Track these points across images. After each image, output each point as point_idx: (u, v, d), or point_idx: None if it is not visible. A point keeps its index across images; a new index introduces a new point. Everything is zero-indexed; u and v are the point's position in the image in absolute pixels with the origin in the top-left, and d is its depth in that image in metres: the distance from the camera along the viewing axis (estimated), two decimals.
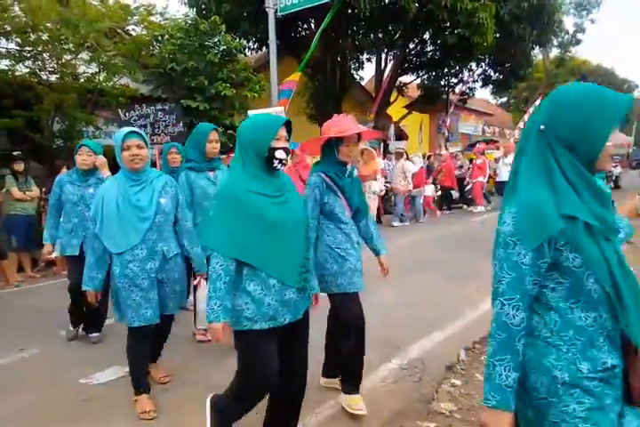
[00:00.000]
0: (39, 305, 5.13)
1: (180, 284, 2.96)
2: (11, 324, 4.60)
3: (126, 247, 2.67)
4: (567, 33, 28.84)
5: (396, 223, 10.36)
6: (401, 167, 10.40)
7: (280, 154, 2.05)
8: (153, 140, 5.86)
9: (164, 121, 6.11)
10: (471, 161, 18.63)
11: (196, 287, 3.73)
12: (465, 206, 13.22)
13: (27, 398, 3.07)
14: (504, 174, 12.32)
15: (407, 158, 11.01)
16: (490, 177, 13.27)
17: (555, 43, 19.53)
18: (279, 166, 2.08)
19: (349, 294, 2.71)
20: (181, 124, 6.24)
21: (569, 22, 41.60)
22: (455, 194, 13.24)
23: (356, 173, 2.80)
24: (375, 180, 9.60)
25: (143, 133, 2.79)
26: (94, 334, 4.05)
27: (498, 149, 16.41)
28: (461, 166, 14.13)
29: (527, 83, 25.16)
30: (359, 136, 2.74)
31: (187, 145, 3.67)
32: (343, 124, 2.66)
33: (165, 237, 2.82)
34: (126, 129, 2.76)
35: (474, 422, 2.69)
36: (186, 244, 2.94)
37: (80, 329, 4.14)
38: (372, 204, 9.77)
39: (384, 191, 10.25)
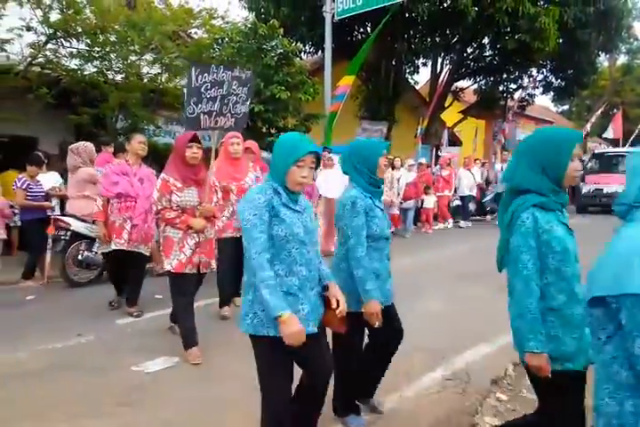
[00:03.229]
0: (96, 293, 5.38)
1: None
2: (71, 310, 4.85)
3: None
4: (636, 39, 27.51)
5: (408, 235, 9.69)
6: (393, 177, 9.49)
7: None
8: (217, 121, 4.35)
9: (236, 95, 4.57)
10: None
11: None
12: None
13: (80, 382, 3.22)
14: (464, 188, 11.52)
15: (394, 168, 9.80)
16: None
17: (622, 49, 18.67)
18: None
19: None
20: (248, 104, 4.72)
21: (639, 28, 39.66)
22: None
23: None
24: None
25: None
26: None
27: None
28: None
29: (591, 90, 24.15)
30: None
31: (520, 161, 1.98)
32: None
33: None
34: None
35: None
36: None
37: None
38: None
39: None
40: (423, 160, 11.58)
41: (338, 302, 2.15)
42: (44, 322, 4.49)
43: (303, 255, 2.11)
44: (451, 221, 11.31)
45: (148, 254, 4.79)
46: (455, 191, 11.58)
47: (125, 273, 4.76)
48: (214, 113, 4.27)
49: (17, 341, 3.95)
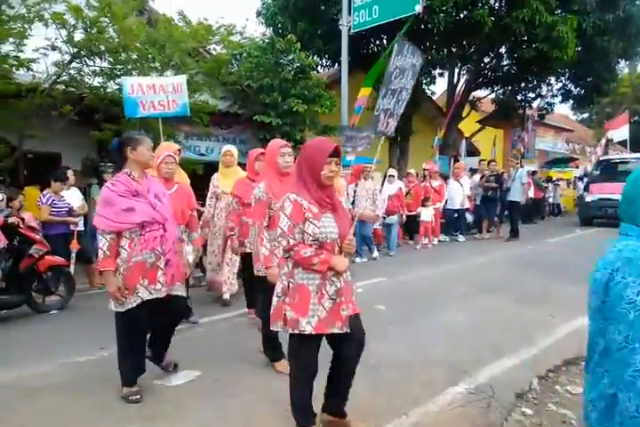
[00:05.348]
0: None
1: None
2: (93, 324, 4.89)
3: None
4: None
5: (359, 259, 8.28)
6: (371, 189, 8.54)
7: None
8: (387, 124, 3.24)
9: (405, 90, 3.40)
10: (550, 179, 17.86)
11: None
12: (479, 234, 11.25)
13: (104, 395, 3.24)
14: (457, 200, 10.65)
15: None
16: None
17: None
18: None
19: None
20: (404, 105, 3.48)
21: None
22: (469, 217, 11.64)
23: None
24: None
25: None
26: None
27: (577, 167, 15.62)
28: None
29: (611, 98, 23.87)
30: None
31: None
32: None
33: None
34: None
35: None
36: None
37: None
38: None
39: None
40: (412, 170, 10.91)
41: None
42: (67, 336, 4.56)
43: None
44: (437, 239, 10.52)
45: (185, 295, 3.53)
46: (446, 203, 10.78)
47: (156, 329, 3.41)
48: (389, 112, 3.42)
49: (41, 355, 4.01)
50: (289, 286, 2.52)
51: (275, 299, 2.58)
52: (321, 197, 2.55)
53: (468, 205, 11.01)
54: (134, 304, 3.08)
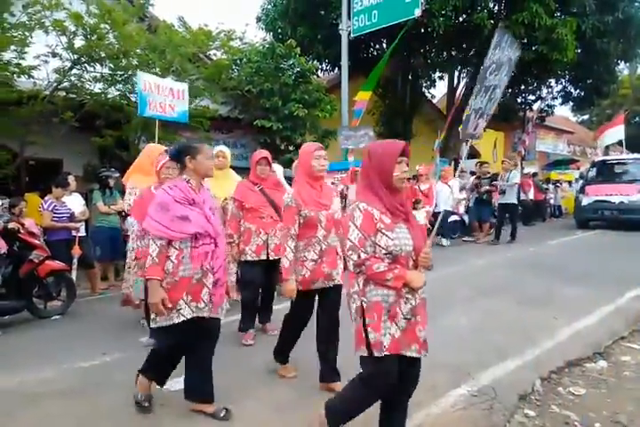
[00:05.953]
0: (121, 312, 5.43)
1: None
2: (95, 329, 4.91)
3: None
4: None
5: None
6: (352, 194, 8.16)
7: None
8: (476, 126, 3.01)
9: (499, 88, 3.14)
10: (548, 180, 17.83)
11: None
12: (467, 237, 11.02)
13: (107, 400, 3.25)
14: (444, 203, 10.05)
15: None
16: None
17: None
18: None
19: None
20: (496, 105, 3.23)
21: None
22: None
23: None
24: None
25: None
26: None
27: (578, 168, 15.54)
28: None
29: (611, 100, 23.89)
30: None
31: None
32: None
33: None
34: None
35: None
36: None
37: None
38: None
39: None
40: None
41: None
42: (69, 342, 4.56)
43: None
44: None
45: (222, 319, 3.16)
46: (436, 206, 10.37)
47: (192, 357, 3.09)
48: (479, 112, 3.17)
49: (43, 360, 4.01)
50: (362, 305, 2.30)
51: (354, 322, 2.37)
52: (394, 205, 2.34)
53: (462, 209, 10.99)
54: (176, 321, 2.83)
